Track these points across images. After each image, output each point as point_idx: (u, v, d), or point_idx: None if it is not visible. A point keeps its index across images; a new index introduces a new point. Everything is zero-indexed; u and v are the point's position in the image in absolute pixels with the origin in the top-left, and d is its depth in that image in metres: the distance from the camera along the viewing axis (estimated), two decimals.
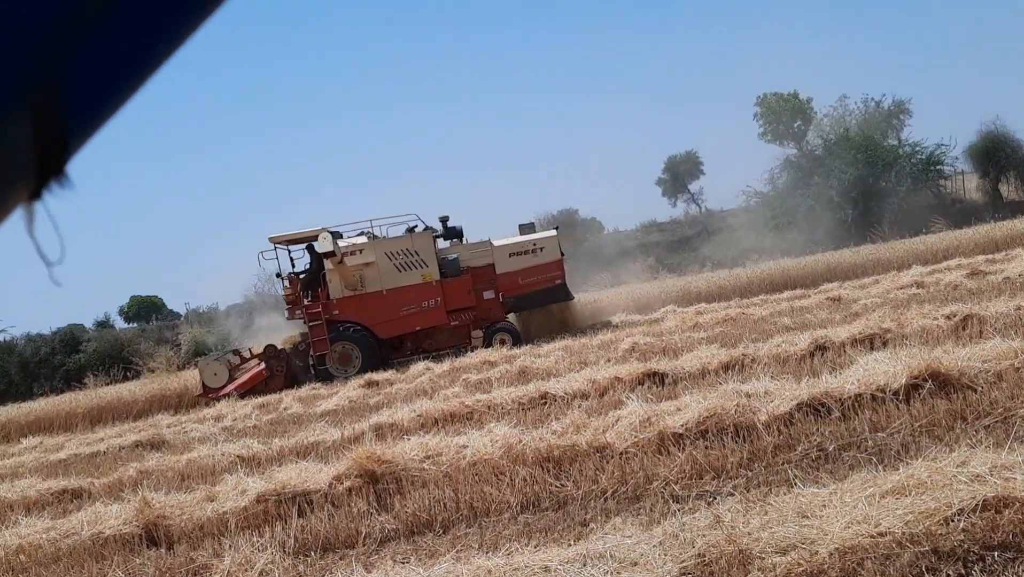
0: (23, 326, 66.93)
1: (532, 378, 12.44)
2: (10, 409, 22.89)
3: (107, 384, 26.25)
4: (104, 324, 47.67)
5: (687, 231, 52.65)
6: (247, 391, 18.62)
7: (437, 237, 20.58)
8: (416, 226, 20.32)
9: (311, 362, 19.57)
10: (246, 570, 5.09)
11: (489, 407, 10.29)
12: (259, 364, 19.66)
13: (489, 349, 18.24)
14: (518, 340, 19.45)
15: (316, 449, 9.77)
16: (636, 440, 7.18)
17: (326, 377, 18.95)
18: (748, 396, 7.68)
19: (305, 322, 19.54)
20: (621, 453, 7.05)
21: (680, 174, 62.14)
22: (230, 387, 18.99)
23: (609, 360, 12.83)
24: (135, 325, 47.79)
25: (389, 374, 16.79)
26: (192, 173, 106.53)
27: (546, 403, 10.12)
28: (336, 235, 20.15)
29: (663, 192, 63.88)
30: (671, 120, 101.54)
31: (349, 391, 15.20)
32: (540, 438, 7.56)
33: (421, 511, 6.64)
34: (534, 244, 20.30)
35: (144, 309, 52.38)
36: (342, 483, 7.30)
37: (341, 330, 19.32)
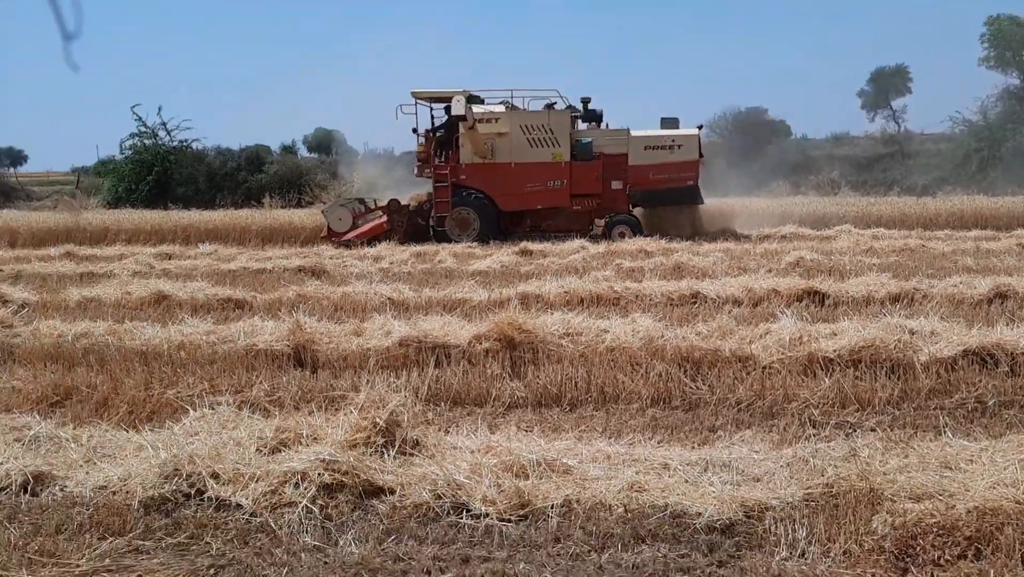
0: (215, 139, 70.86)
1: (686, 275, 12.19)
2: (193, 215, 24.40)
3: (282, 207, 27.57)
4: (288, 149, 49.72)
5: (880, 149, 49.48)
6: (366, 240, 19.00)
7: (576, 118, 20.08)
8: (555, 103, 19.82)
9: (431, 222, 19.82)
10: (378, 407, 5.28)
11: (637, 296, 10.17)
12: (381, 216, 19.95)
13: (610, 241, 17.98)
14: (639, 234, 18.95)
15: (462, 306, 9.96)
16: (782, 357, 6.95)
17: (443, 238, 19.15)
18: (912, 333, 7.25)
19: (432, 182, 19.69)
20: (764, 367, 6.85)
21: (885, 88, 58.04)
22: (352, 234, 19.42)
23: (770, 271, 12.39)
24: (315, 156, 49.68)
25: (544, 246, 16.83)
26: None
27: (696, 303, 9.91)
28: (475, 100, 19.89)
29: (862, 104, 59.91)
30: (883, 28, 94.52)
31: (503, 255, 15.37)
32: (683, 337, 7.43)
33: (552, 385, 6.70)
34: (673, 140, 19.57)
35: (325, 142, 54.26)
36: (481, 343, 7.42)
37: (464, 195, 19.42)
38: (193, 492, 4.64)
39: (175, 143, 35.79)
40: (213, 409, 5.75)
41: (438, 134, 20.07)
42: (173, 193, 33.01)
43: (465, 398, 6.66)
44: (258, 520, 4.39)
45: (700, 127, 20.48)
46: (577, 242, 17.27)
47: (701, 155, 19.78)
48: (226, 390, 6.64)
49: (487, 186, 19.45)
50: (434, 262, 15.38)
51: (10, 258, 17.33)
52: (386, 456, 5.02)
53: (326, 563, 3.97)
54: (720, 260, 14.19)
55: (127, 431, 5.65)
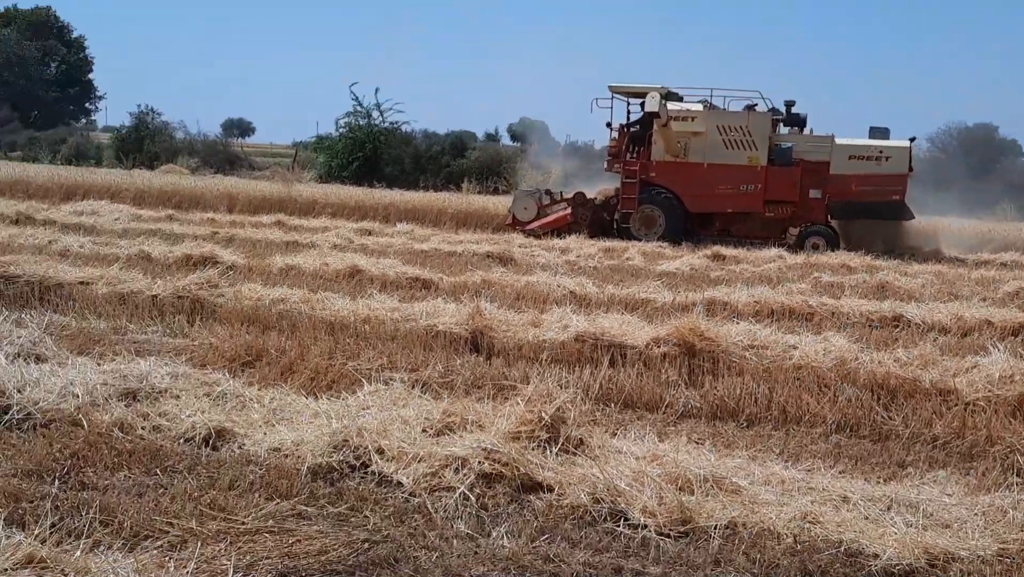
0: (424, 123, 73.38)
1: (890, 296, 11.42)
2: (395, 194, 25.27)
3: (478, 192, 28.12)
4: (491, 137, 50.84)
5: None
6: (548, 231, 18.77)
7: (777, 121, 19.22)
8: (756, 104, 19.06)
9: (616, 217, 19.35)
10: (545, 401, 5.20)
11: (833, 313, 9.61)
12: (566, 208, 19.60)
13: (804, 252, 17.09)
14: (834, 247, 17.90)
15: (644, 306, 9.75)
16: (989, 394, 6.33)
17: (626, 235, 18.68)
18: None
19: (621, 178, 19.22)
20: (968, 403, 6.27)
21: None
22: (535, 224, 19.25)
23: (984, 299, 11.41)
24: (517, 144, 50.48)
25: (738, 252, 16.27)
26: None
27: (898, 327, 9.24)
28: (673, 97, 19.35)
29: None
30: None
31: (694, 258, 14.98)
32: (879, 362, 6.92)
33: (730, 398, 6.41)
34: (880, 151, 18.29)
35: (529, 131, 55.04)
36: (659, 347, 7.21)
37: (652, 193, 18.85)
38: (358, 464, 4.73)
39: (386, 124, 37.23)
40: (387, 385, 5.88)
41: (632, 129, 19.72)
42: (380, 172, 34.34)
43: (636, 402, 6.48)
44: (416, 500, 4.41)
45: (912, 139, 19.23)
46: (774, 251, 16.58)
47: (911, 169, 18.57)
48: (402, 367, 6.77)
49: (677, 185, 18.87)
50: (622, 259, 15.20)
51: (227, 222, 18.56)
52: (548, 452, 4.94)
53: (476, 553, 3.92)
54: (929, 283, 13.22)
55: (306, 397, 5.85)
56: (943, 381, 6.55)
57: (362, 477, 4.64)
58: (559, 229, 18.88)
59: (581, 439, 5.16)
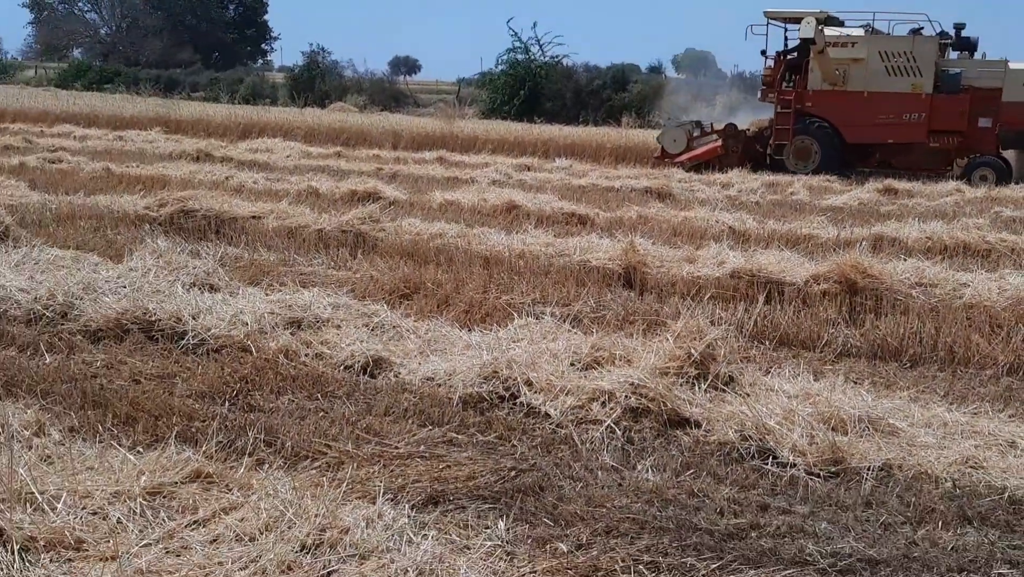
0: (585, 56, 72.45)
1: None
2: (554, 129, 25.22)
3: (639, 127, 27.67)
4: (656, 69, 49.67)
5: None
6: (698, 164, 18.37)
7: (946, 46, 17.98)
8: (922, 28, 17.90)
9: (769, 149, 18.70)
10: (695, 338, 5.14)
11: (1012, 250, 8.98)
12: (716, 140, 19.01)
13: (972, 184, 15.98)
14: (1005, 180, 16.68)
15: (806, 242, 9.40)
16: None
17: (780, 168, 18.03)
18: None
19: (775, 108, 18.53)
20: None
21: None
22: (685, 156, 18.83)
23: None
24: (682, 76, 49.20)
25: (912, 185, 15.37)
26: None
27: None
28: (834, 22, 18.36)
29: None
30: None
31: (863, 192, 14.26)
32: None
33: (892, 337, 6.14)
34: None
35: (696, 62, 53.50)
36: (819, 284, 6.97)
37: (807, 123, 18.09)
38: (507, 395, 4.84)
39: (546, 58, 37.03)
40: (537, 319, 5.95)
41: (788, 57, 18.85)
42: (541, 108, 34.31)
43: (792, 340, 6.30)
44: (563, 432, 4.49)
45: None
46: (952, 184, 15.62)
47: None
48: (554, 302, 6.82)
49: (833, 115, 17.98)
50: (786, 193, 14.67)
51: (391, 158, 19.07)
52: (696, 388, 4.90)
53: (620, 485, 3.96)
54: None
55: (460, 330, 6.01)
56: None
57: (511, 408, 4.75)
58: (709, 162, 18.45)
59: (731, 376, 5.09)
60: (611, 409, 4.62)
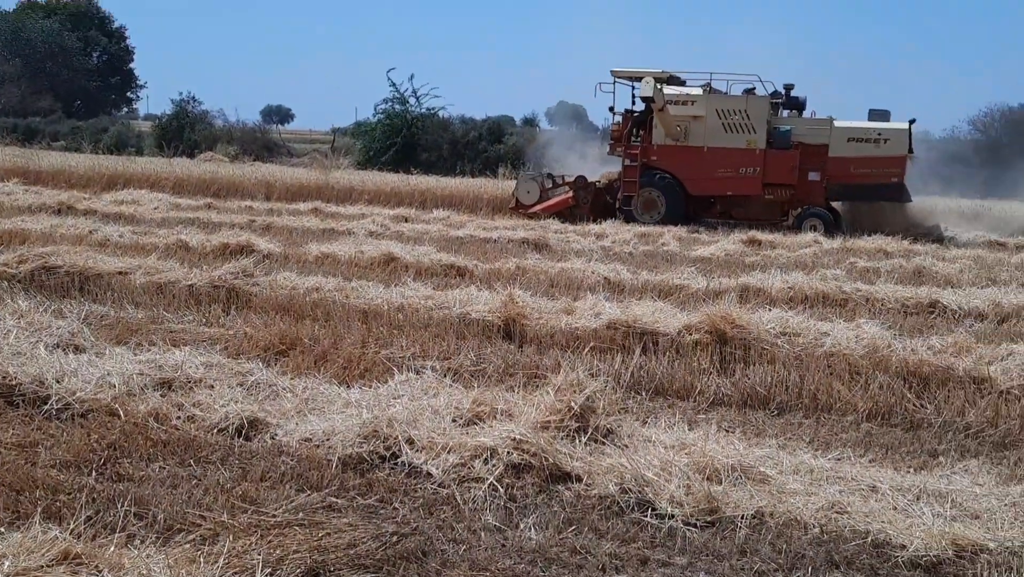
0: (460, 108, 73.28)
1: (926, 281, 11.28)
2: (431, 180, 25.34)
3: (514, 178, 28.05)
4: (530, 122, 50.58)
5: None
6: (550, 214, 19.12)
7: (777, 105, 19.32)
8: (754, 88, 19.16)
9: (618, 201, 19.62)
10: (575, 391, 5.23)
11: (867, 300, 9.50)
12: (568, 191, 19.88)
13: (812, 233, 17.16)
14: (831, 230, 17.92)
15: (678, 293, 9.71)
16: None
17: (629, 218, 18.96)
18: None
19: (623, 161, 19.51)
20: (1002, 392, 6.20)
21: None
22: (538, 207, 19.56)
23: None
24: (555, 128, 50.26)
25: (773, 236, 16.10)
26: None
27: (934, 313, 9.13)
28: (675, 81, 19.63)
29: None
30: None
31: (729, 243, 14.85)
32: (912, 349, 6.86)
33: (760, 386, 6.39)
34: (879, 133, 18.39)
35: (568, 115, 54.78)
36: (691, 334, 7.20)
37: (653, 177, 19.11)
38: (388, 455, 4.79)
39: (423, 109, 37.29)
40: (418, 374, 5.94)
41: (635, 114, 19.92)
42: (417, 158, 34.43)
43: (668, 389, 6.48)
44: (445, 492, 4.46)
45: (912, 121, 18.99)
46: (810, 235, 16.47)
47: (911, 151, 18.55)
48: (435, 356, 6.81)
49: (676, 168, 19.09)
50: (657, 244, 15.13)
51: (264, 210, 18.74)
52: (577, 442, 4.97)
53: (504, 546, 3.96)
54: (967, 267, 13.03)
55: (339, 387, 5.91)
56: (977, 369, 6.48)
57: (392, 468, 4.70)
58: (560, 212, 19.23)
59: (610, 428, 5.19)
60: (493, 466, 4.63)
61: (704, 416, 5.98)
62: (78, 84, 62.82)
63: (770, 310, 7.98)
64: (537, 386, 5.69)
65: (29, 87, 56.97)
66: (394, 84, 36.50)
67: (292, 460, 4.71)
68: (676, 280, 10.46)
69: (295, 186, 22.89)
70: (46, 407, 5.25)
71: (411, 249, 11.80)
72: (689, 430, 5.40)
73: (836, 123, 18.87)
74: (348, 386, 5.94)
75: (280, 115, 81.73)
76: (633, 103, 20.10)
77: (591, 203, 19.47)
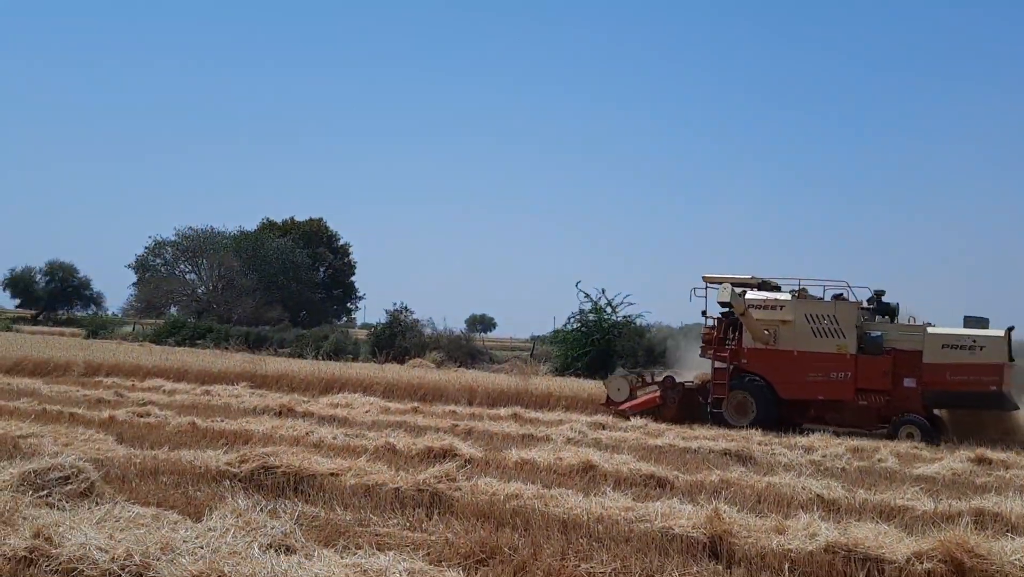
0: (658, 316, 73.70)
1: None
2: None
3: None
4: None
5: None
6: (638, 412, 19.51)
7: (867, 310, 19.69)
8: (842, 294, 19.64)
9: (709, 401, 19.79)
10: None
11: None
12: (655, 391, 20.34)
13: (908, 441, 17.16)
14: (930, 438, 17.53)
15: (902, 515, 8.94)
16: None
17: (719, 421, 19.11)
18: None
19: (712, 364, 19.96)
20: None
21: None
22: (627, 405, 20.05)
23: None
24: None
25: (1007, 455, 14.71)
26: None
27: None
28: (766, 286, 20.20)
29: None
30: None
31: (954, 461, 13.68)
32: None
33: None
34: (974, 340, 18.28)
35: None
36: (922, 562, 6.54)
37: (743, 379, 19.43)
38: None
39: (619, 317, 37.77)
40: None
41: (728, 317, 20.22)
42: (612, 364, 34.60)
43: None
44: None
45: (1011, 328, 18.60)
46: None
47: (1011, 358, 18.29)
48: (636, 573, 6.52)
49: (767, 371, 19.39)
50: (872, 459, 14.16)
51: (467, 414, 19.17)
52: None
53: None
54: None
55: None
56: None
57: None
58: (647, 411, 19.66)
59: None
60: None
61: None
62: (305, 296, 68.51)
63: (1014, 539, 7.16)
64: None
65: (263, 298, 62.64)
66: (587, 295, 37.33)
67: None
68: (899, 501, 9.67)
69: (496, 391, 23.37)
70: None
71: (609, 457, 11.62)
72: None
73: (930, 329, 18.85)
74: None
75: (484, 323, 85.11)
76: (706, 308, 20.69)
77: (679, 403, 19.82)
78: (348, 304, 78.75)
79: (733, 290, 19.25)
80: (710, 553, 7.21)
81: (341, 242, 76.68)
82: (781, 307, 19.53)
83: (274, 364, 28.19)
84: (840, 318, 19.04)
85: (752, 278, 20.01)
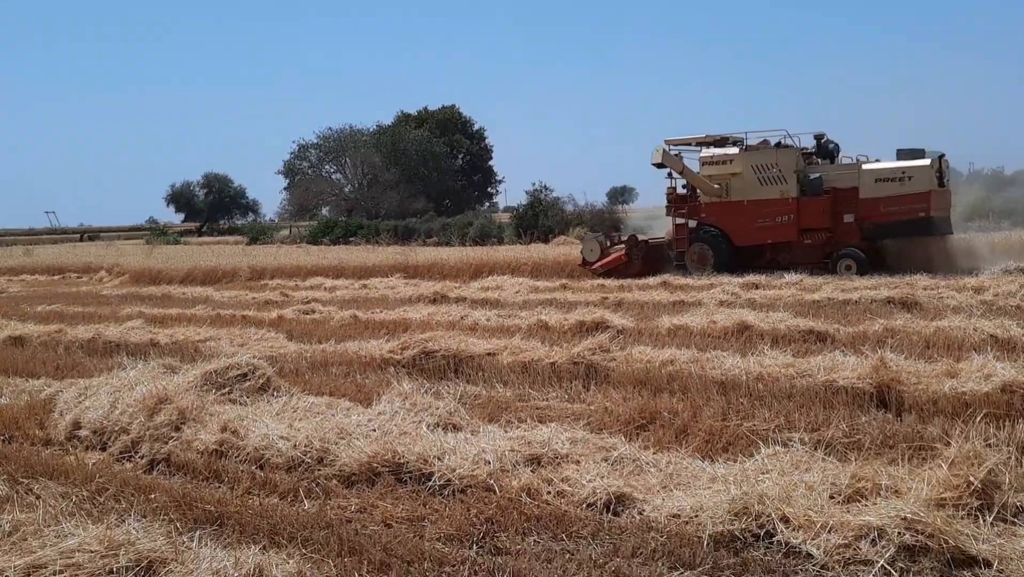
0: None
1: None
2: None
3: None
4: None
5: None
6: (605, 272, 21.02)
7: (808, 155, 20.83)
8: (780, 141, 20.82)
9: (673, 255, 21.56)
10: (972, 464, 4.63)
11: None
12: (623, 249, 21.60)
13: (846, 273, 18.47)
14: (864, 268, 18.84)
15: None
16: None
17: (684, 271, 20.66)
18: None
19: (673, 220, 21.65)
20: None
21: None
22: (598, 264, 21.50)
23: None
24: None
25: None
26: None
27: None
28: (724, 142, 21.47)
29: None
30: None
31: None
32: None
33: None
34: (903, 172, 19.40)
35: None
36: None
37: (701, 232, 21.08)
38: (762, 533, 4.53)
39: None
40: (785, 447, 5.62)
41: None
42: None
43: None
44: (830, 574, 4.11)
45: (942, 156, 19.58)
46: None
47: (942, 184, 19.32)
48: (800, 427, 6.43)
49: (722, 223, 21.02)
50: None
51: (616, 286, 19.12)
52: (980, 522, 4.39)
53: None
54: None
55: (702, 460, 5.76)
56: None
57: (767, 547, 4.43)
58: (615, 269, 21.14)
59: (1021, 507, 4.51)
60: (883, 548, 4.20)
61: None
62: (446, 185, 69.41)
63: None
64: (924, 459, 5.14)
65: (407, 191, 63.92)
66: None
67: (662, 537, 4.59)
68: None
69: None
70: (430, 483, 5.60)
71: (764, 316, 11.39)
72: None
73: (865, 166, 19.97)
74: (712, 460, 5.76)
75: (624, 195, 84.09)
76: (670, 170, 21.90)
77: (643, 259, 21.38)
78: (488, 189, 79.31)
79: (665, 151, 21.18)
80: (878, 402, 7.03)
81: (476, 127, 76.77)
82: (730, 161, 21.00)
83: (424, 254, 28.90)
84: (782, 165, 20.43)
85: (707, 136, 21.51)
